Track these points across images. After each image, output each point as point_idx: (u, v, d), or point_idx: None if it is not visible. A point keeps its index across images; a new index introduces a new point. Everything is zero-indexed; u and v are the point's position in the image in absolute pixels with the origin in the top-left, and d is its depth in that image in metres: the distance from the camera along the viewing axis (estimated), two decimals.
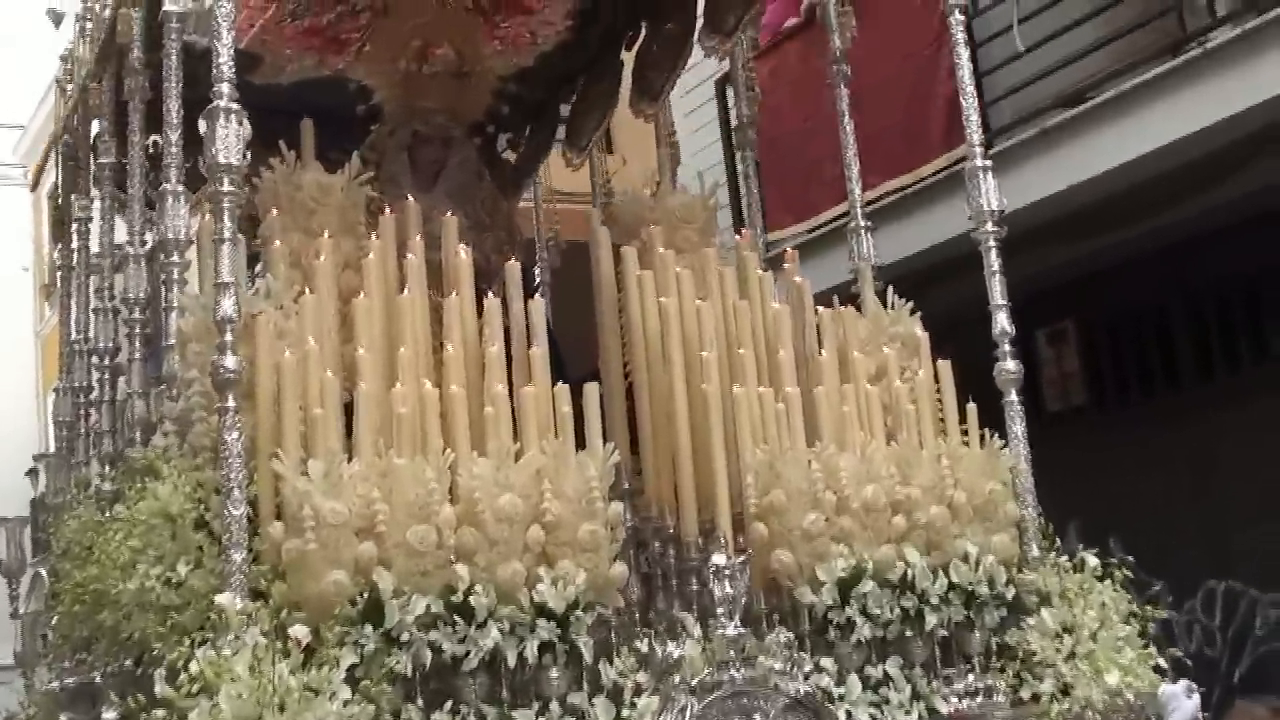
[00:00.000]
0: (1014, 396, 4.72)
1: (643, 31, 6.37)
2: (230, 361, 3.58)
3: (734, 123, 6.19)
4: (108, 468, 5.11)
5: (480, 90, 6.05)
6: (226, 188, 3.70)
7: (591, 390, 4.16)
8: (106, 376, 5.41)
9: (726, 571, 3.84)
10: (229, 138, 3.69)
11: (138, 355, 4.86)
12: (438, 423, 3.86)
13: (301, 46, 6.28)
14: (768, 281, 4.89)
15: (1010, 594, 4.40)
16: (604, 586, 3.86)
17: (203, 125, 3.74)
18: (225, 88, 3.73)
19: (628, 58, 6.65)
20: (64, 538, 4.72)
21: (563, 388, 4.08)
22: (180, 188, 4.43)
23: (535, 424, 3.95)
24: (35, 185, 11.24)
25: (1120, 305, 8.33)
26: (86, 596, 3.97)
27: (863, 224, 5.46)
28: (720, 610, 3.83)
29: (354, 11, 6.14)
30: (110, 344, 5.38)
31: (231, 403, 3.55)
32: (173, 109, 4.45)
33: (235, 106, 3.72)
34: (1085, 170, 7.16)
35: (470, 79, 5.95)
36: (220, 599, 3.39)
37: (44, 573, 5.86)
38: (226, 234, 3.68)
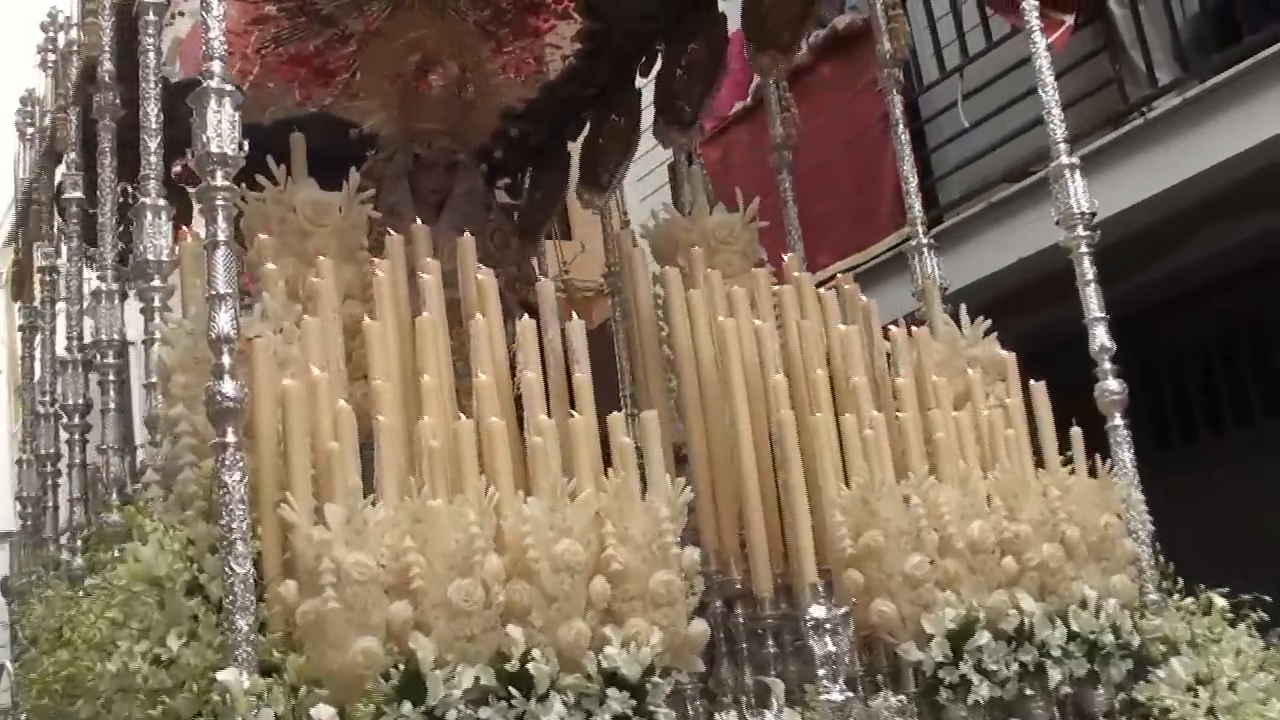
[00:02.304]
0: (1119, 420, 4.14)
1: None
2: (229, 387, 2.96)
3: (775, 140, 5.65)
4: (79, 541, 4.44)
5: (486, 113, 5.49)
6: (220, 182, 3.11)
7: (651, 419, 3.55)
8: (76, 438, 4.76)
9: (828, 626, 3.22)
10: (222, 124, 3.11)
11: (111, 406, 4.22)
12: (474, 459, 3.23)
13: (285, 78, 5.75)
14: (831, 301, 4.30)
15: (1136, 643, 3.78)
16: (681, 648, 3.23)
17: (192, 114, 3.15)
18: (217, 66, 3.15)
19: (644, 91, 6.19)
20: (30, 623, 4.05)
21: (619, 416, 3.47)
22: (161, 202, 3.83)
23: (588, 459, 3.34)
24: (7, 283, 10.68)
25: (1072, 378, 7.91)
26: (58, 685, 3.29)
27: (925, 241, 4.90)
28: (822, 672, 3.20)
29: (343, 37, 5.62)
30: (80, 400, 4.73)
31: (231, 437, 2.93)
32: (151, 113, 3.87)
33: (229, 88, 3.14)
34: (1033, 244, 6.64)
35: (475, 101, 5.38)
36: (224, 676, 2.74)
37: (9, 664, 5.15)
38: (221, 237, 3.08)
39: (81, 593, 3.45)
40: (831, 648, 3.21)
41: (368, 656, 2.84)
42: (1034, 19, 4.50)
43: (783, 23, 5.71)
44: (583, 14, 5.73)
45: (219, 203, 3.10)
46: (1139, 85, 6.83)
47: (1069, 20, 6.92)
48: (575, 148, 6.55)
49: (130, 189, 4.98)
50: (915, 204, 4.96)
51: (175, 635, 2.96)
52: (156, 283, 3.74)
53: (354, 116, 5.57)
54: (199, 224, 4.23)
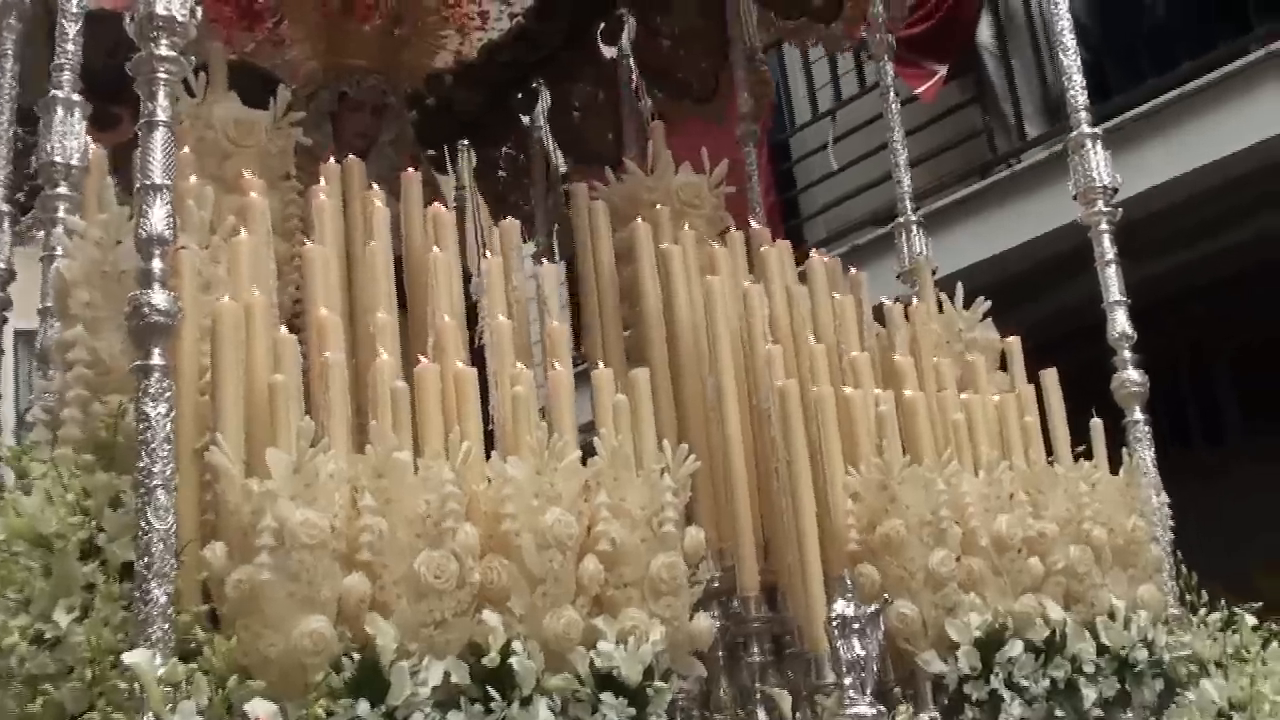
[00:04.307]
0: (1139, 415, 3.71)
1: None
2: (161, 298, 2.35)
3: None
4: None
5: (420, 55, 4.90)
6: (164, 51, 2.50)
7: (642, 376, 3.01)
8: None
9: (855, 625, 2.70)
10: None
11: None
12: (438, 409, 2.66)
13: (209, 15, 5.10)
14: (819, 269, 3.79)
15: (1167, 660, 3.34)
16: (682, 646, 2.69)
17: None
18: None
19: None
20: None
21: (607, 371, 2.93)
22: (75, 96, 3.19)
23: (569, 419, 2.79)
24: None
25: None
26: None
27: (913, 219, 4.46)
28: (848, 680, 2.68)
29: None
30: None
31: (159, 359, 2.32)
32: None
33: None
34: (893, 288, 6.44)
35: (410, 39, 4.79)
36: (132, 658, 2.12)
37: None
38: (161, 117, 2.47)
39: None
40: (859, 651, 2.70)
41: (315, 640, 2.25)
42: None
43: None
44: None
45: (161, 75, 2.50)
46: (1008, 137, 7.01)
47: (942, 71, 7.08)
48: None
49: None
50: (905, 179, 4.51)
51: (64, 608, 2.33)
52: (63, 190, 3.08)
53: (278, 68, 4.95)
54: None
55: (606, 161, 5.30)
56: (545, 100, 6.00)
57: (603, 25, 5.59)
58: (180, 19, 2.52)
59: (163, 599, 2.20)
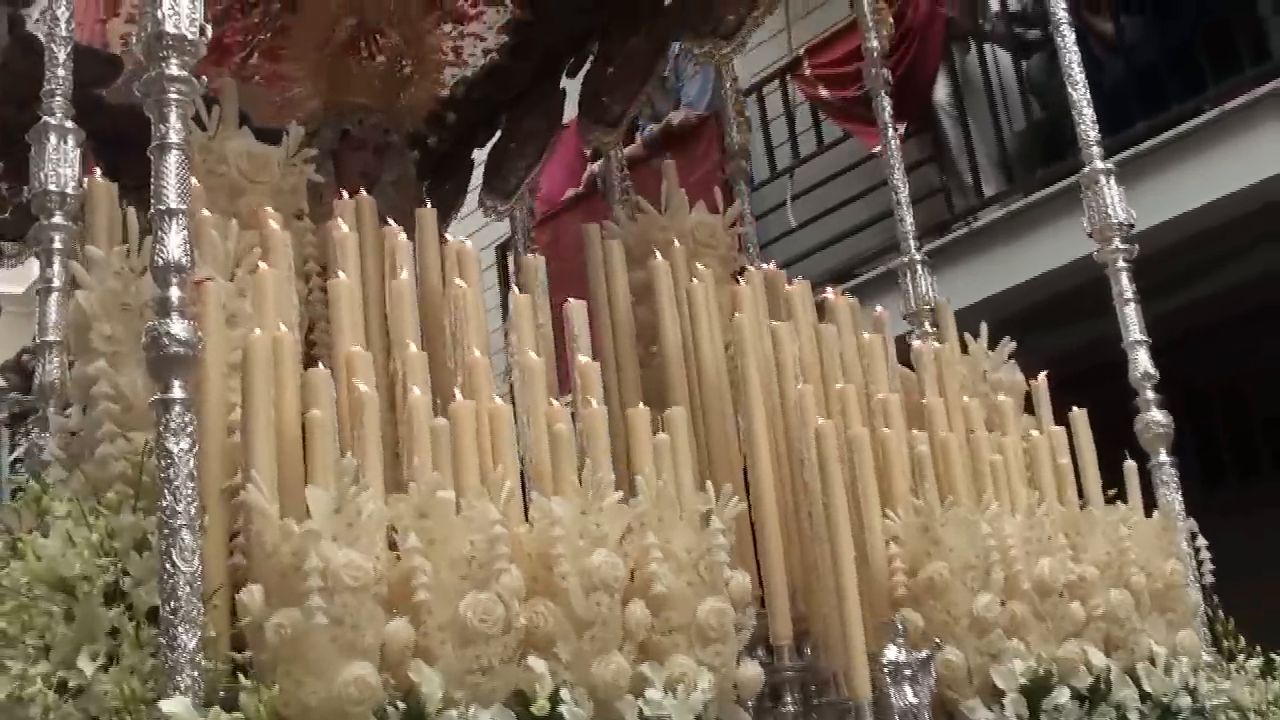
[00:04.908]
0: (1164, 457, 3.64)
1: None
2: (180, 328, 2.23)
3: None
4: None
5: (422, 94, 4.82)
6: (174, 70, 2.40)
7: (679, 415, 2.92)
8: None
9: (907, 671, 2.60)
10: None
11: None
12: (474, 446, 2.55)
13: None
14: (847, 308, 3.72)
15: (1209, 707, 3.25)
16: (731, 694, 2.58)
17: None
18: None
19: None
20: None
21: (644, 409, 2.84)
22: (69, 123, 3.07)
23: (605, 455, 2.68)
24: None
25: None
26: None
27: (918, 258, 4.40)
28: None
29: (244, 4, 4.90)
30: None
31: (179, 392, 2.20)
32: (61, 17, 3.12)
33: None
34: None
35: (413, 78, 4.71)
36: (170, 708, 2.00)
37: None
38: (174, 139, 2.37)
39: None
40: (912, 699, 2.60)
41: (360, 688, 2.13)
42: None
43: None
44: (517, 1, 5.14)
45: (173, 96, 2.39)
46: (965, 196, 7.04)
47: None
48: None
49: None
50: (907, 217, 4.46)
51: (88, 655, 2.19)
52: (59, 219, 2.96)
53: (246, 104, 4.86)
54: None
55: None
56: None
57: (572, 60, 5.54)
58: (191, 38, 2.42)
59: (190, 645, 2.07)
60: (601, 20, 5.36)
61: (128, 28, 5.06)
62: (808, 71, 7.37)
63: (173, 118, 2.39)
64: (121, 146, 3.42)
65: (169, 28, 2.40)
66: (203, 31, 2.45)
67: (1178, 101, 6.09)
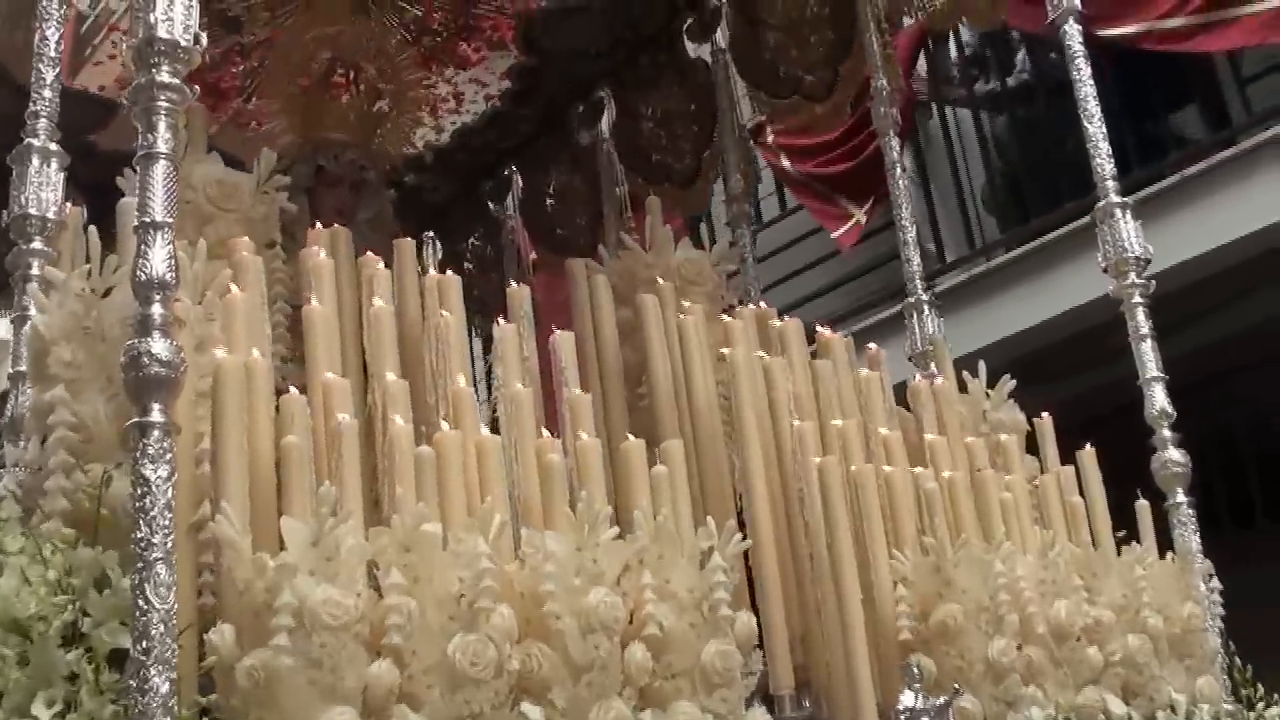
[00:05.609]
0: (1181, 497, 3.50)
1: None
2: (161, 347, 2.06)
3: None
4: None
5: (400, 131, 4.69)
6: (165, 78, 2.24)
7: (675, 448, 2.76)
8: None
9: (925, 718, 2.43)
10: (175, 4, 2.25)
11: None
12: (460, 478, 2.38)
13: None
14: (841, 345, 3.58)
15: None
16: None
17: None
18: None
19: None
20: None
21: (639, 442, 2.68)
22: (53, 146, 2.91)
23: (600, 490, 2.52)
24: None
25: None
26: None
27: (924, 298, 4.28)
28: None
29: (243, 50, 4.79)
30: None
31: (158, 415, 2.02)
32: (50, 38, 2.97)
33: None
34: None
35: (390, 114, 4.58)
36: None
37: None
38: (162, 149, 2.21)
39: None
40: None
41: None
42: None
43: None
44: (520, 47, 5.04)
45: (162, 104, 2.23)
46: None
47: (860, 216, 7.12)
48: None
49: None
50: (914, 257, 4.34)
51: (44, 702, 2.01)
52: (38, 245, 2.79)
53: (243, 151, 4.74)
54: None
55: (579, 249, 5.14)
56: (518, 187, 5.84)
57: (580, 108, 5.46)
58: (184, 44, 2.27)
59: (164, 689, 1.88)
60: (608, 67, 5.29)
61: (102, 78, 4.97)
62: (770, 139, 7.18)
63: (162, 126, 2.23)
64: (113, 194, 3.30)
65: (161, 33, 2.25)
66: (196, 40, 2.30)
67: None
